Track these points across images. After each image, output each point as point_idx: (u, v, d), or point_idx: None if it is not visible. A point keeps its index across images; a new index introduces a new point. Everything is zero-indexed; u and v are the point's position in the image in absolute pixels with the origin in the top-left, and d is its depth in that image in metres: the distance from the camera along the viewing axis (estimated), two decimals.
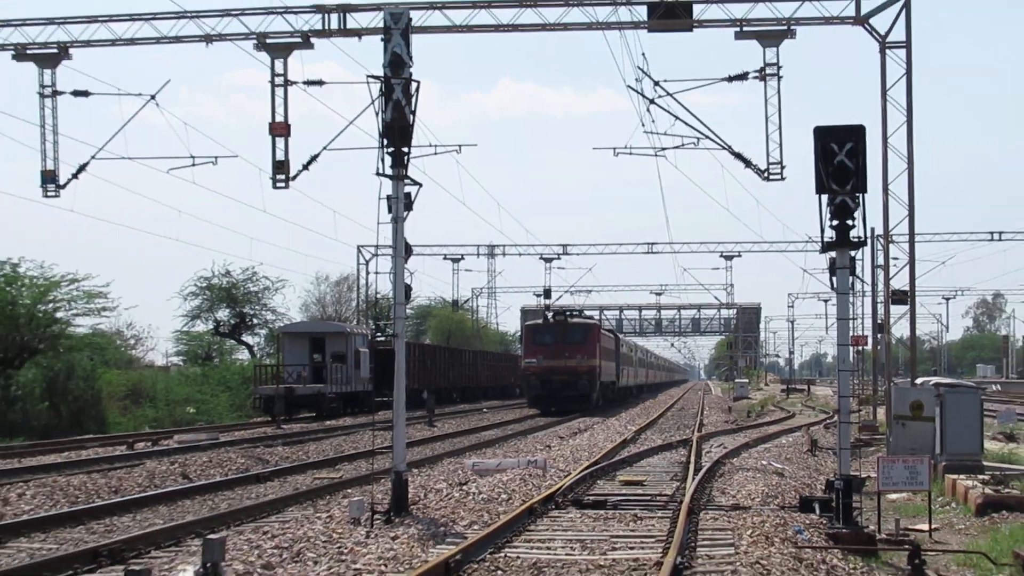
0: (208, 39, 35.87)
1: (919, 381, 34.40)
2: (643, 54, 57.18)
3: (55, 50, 35.89)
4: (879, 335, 38.09)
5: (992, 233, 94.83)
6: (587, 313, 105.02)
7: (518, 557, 16.59)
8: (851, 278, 20.90)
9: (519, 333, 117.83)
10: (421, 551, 16.93)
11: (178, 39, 36.21)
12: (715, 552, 17.16)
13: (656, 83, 35.98)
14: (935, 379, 37.24)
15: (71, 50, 36.05)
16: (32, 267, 57.59)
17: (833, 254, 20.09)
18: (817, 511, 21.57)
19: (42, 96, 36.59)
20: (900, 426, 28.35)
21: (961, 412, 29.72)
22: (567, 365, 79.07)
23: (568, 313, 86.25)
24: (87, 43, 35.74)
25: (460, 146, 40.42)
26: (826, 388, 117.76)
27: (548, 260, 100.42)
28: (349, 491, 23.97)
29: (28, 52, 35.89)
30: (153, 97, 37.23)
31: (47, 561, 16.21)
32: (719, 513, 21.84)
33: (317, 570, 15.39)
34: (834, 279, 20.41)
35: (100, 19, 35.68)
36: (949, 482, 26.25)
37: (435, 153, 34.97)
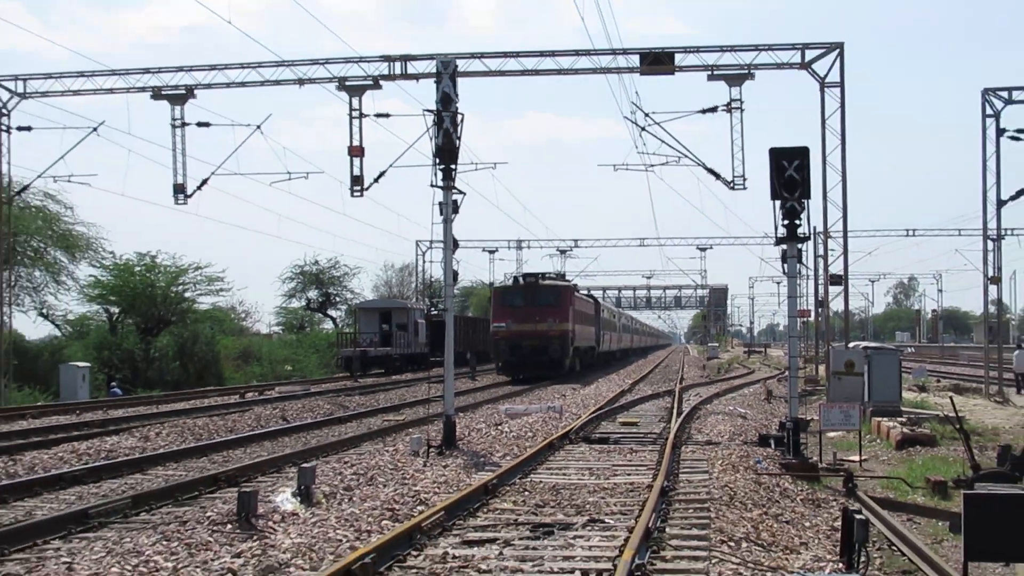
0: (301, 82, 35.89)
1: (851, 345, 34.34)
2: (636, 92, 58.55)
3: (183, 91, 36.09)
4: (820, 309, 38.13)
5: (908, 230, 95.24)
6: (571, 279, 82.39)
7: (540, 481, 16.68)
8: (798, 265, 20.93)
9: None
10: (466, 476, 17.03)
11: (278, 82, 36.24)
12: (694, 477, 17.20)
13: (646, 115, 35.94)
14: (863, 343, 37.22)
15: (196, 91, 36.24)
16: (166, 258, 59.89)
17: (784, 247, 20.08)
18: (772, 446, 21.61)
19: (174, 127, 36.73)
20: (837, 380, 28.38)
21: (884, 369, 29.98)
22: (537, 329, 60.68)
23: (541, 276, 66.41)
24: (208, 86, 35.92)
25: (495, 163, 41.13)
26: (779, 351, 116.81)
27: (563, 252, 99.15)
28: (410, 430, 24.06)
29: (163, 93, 36.22)
30: (259, 127, 37.46)
31: (179, 484, 16.33)
32: (696, 447, 21.87)
33: (386, 491, 15.46)
34: (785, 266, 20.53)
35: (219, 67, 35.92)
36: (875, 423, 26.23)
37: (475, 169, 35.38)
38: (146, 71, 35.97)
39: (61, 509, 13.15)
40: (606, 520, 13.11)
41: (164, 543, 11.51)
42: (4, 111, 37.85)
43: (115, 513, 13.47)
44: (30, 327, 70.21)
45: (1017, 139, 37.10)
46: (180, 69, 36.00)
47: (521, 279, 65.29)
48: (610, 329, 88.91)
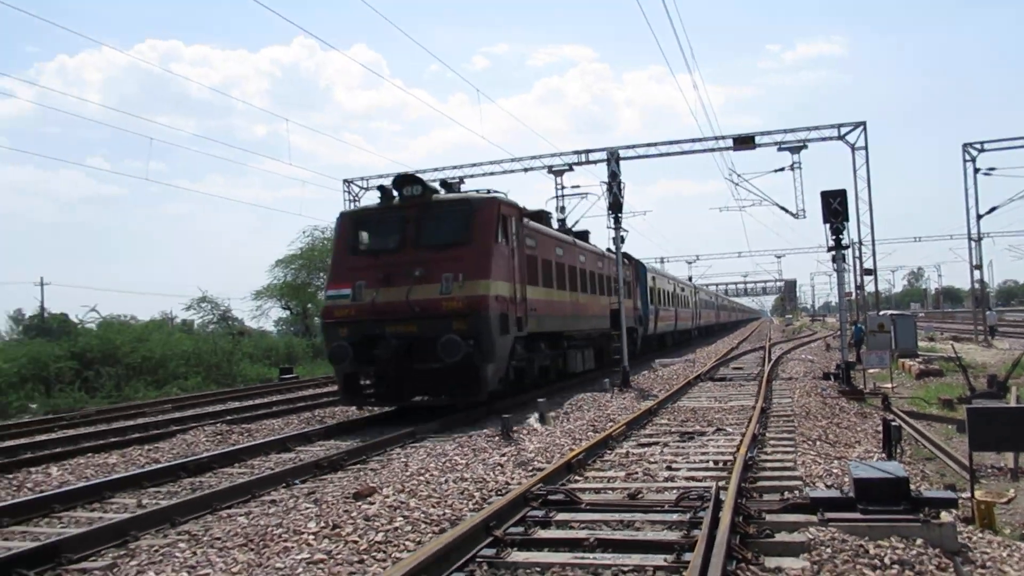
0: (526, 170, 36.30)
1: (880, 313, 32.81)
2: (731, 161, 55.92)
3: (457, 180, 36.29)
4: (858, 291, 36.49)
5: (915, 237, 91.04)
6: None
7: (683, 405, 16.34)
8: (843, 263, 20.23)
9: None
10: (637, 403, 16.82)
11: (512, 171, 36.76)
12: (782, 400, 16.58)
13: (738, 175, 35.24)
14: (889, 312, 35.74)
15: (465, 179, 36.77)
16: None
17: (833, 253, 19.51)
18: (832, 379, 20.68)
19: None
20: (873, 336, 27.16)
21: (904, 327, 29.43)
22: (415, 300, 14.37)
23: (441, 185, 18.83)
24: (471, 176, 36.62)
25: (645, 211, 40.57)
26: (832, 319, 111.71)
27: (689, 262, 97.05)
28: (604, 379, 23.83)
29: (447, 182, 36.13)
30: (508, 193, 37.79)
31: (471, 418, 15.95)
32: (782, 381, 21.09)
33: (589, 414, 15.41)
34: (833, 264, 19.90)
35: (478, 164, 36.68)
36: (900, 363, 24.98)
37: (632, 215, 34.76)
38: (435, 169, 36.81)
39: (397, 432, 13.52)
40: (727, 429, 12.76)
41: (460, 449, 11.75)
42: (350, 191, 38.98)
43: (431, 432, 13.82)
44: None
45: (988, 175, 37.16)
46: (456, 167, 36.76)
47: (395, 190, 15.88)
48: (667, 304, 41.42)
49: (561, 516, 7.36)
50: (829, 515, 6.71)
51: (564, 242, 21.46)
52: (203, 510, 7.99)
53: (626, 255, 27.54)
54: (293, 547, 6.78)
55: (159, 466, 10.86)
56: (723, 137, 34.01)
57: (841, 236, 19.14)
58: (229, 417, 16.89)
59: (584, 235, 26.51)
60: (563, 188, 35.86)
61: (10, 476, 10.84)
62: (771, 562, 5.95)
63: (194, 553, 6.73)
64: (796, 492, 7.92)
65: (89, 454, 12.54)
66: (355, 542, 6.85)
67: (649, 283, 35.63)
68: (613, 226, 22.29)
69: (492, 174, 36.67)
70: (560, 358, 21.09)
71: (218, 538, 7.13)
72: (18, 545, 6.54)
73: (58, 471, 11.20)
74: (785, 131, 33.32)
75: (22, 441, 14.22)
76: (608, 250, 26.14)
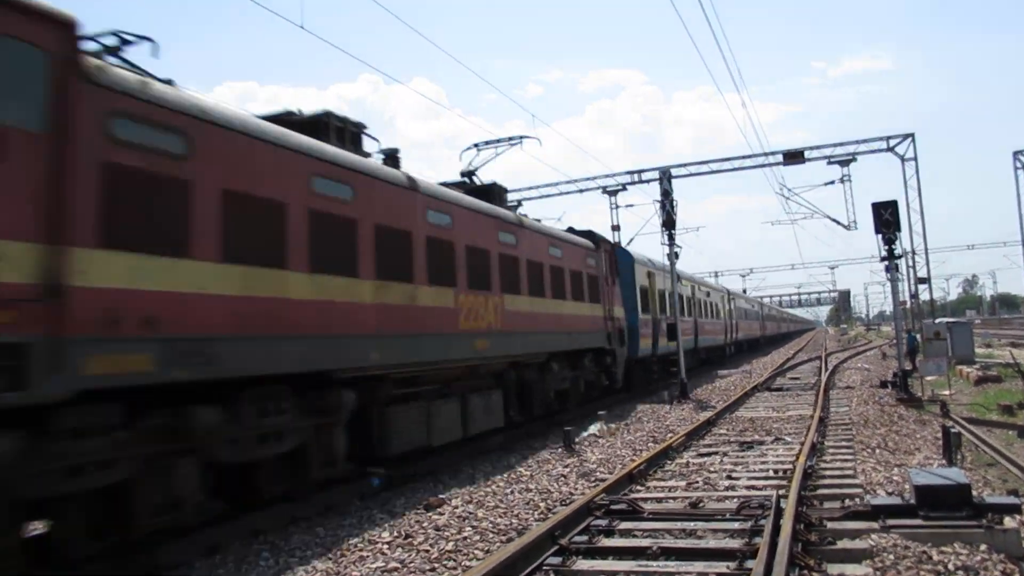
0: (581, 191, 36.30)
1: (936, 321, 31.77)
2: (782, 176, 54.86)
3: (516, 203, 36.81)
4: (913, 299, 35.43)
5: (968, 245, 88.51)
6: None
7: (742, 415, 16.07)
8: (896, 273, 19.70)
9: None
10: (696, 414, 16.60)
11: (567, 193, 36.78)
12: (839, 409, 16.19)
13: (789, 189, 34.79)
14: (945, 320, 34.56)
15: (522, 202, 36.96)
16: None
17: (886, 263, 19.04)
18: (889, 387, 20.08)
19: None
20: (929, 343, 26.36)
21: (961, 335, 28.45)
22: None
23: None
24: (528, 198, 36.79)
25: (698, 227, 40.14)
26: (888, 327, 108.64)
27: (744, 275, 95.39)
28: (662, 392, 23.56)
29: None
30: (558, 219, 37.94)
31: (534, 431, 15.37)
32: (839, 390, 20.60)
33: (648, 425, 15.27)
34: (887, 274, 19.41)
35: (535, 187, 36.86)
36: (958, 369, 24.07)
37: (686, 232, 34.43)
38: (514, 190, 36.93)
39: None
40: (786, 438, 12.50)
41: (524, 461, 11.74)
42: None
43: (499, 448, 13.69)
44: None
45: None
46: (515, 189, 37.01)
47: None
48: (698, 313, 31.66)
49: (624, 525, 7.31)
50: (891, 522, 6.53)
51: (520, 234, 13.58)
52: (286, 521, 8.14)
53: (591, 234, 18.57)
54: (368, 556, 6.87)
55: None
56: (773, 153, 33.58)
57: (894, 246, 18.67)
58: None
59: (490, 189, 14.60)
60: (617, 206, 35.78)
61: None
62: (833, 569, 5.82)
63: (277, 562, 6.86)
64: (857, 499, 7.72)
65: None
66: (426, 551, 6.90)
67: (641, 281, 23.28)
68: (667, 242, 22.11)
69: (549, 196, 36.79)
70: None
71: (298, 548, 7.26)
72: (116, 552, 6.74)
73: None
74: (834, 145, 32.78)
75: None
76: (571, 229, 18.20)
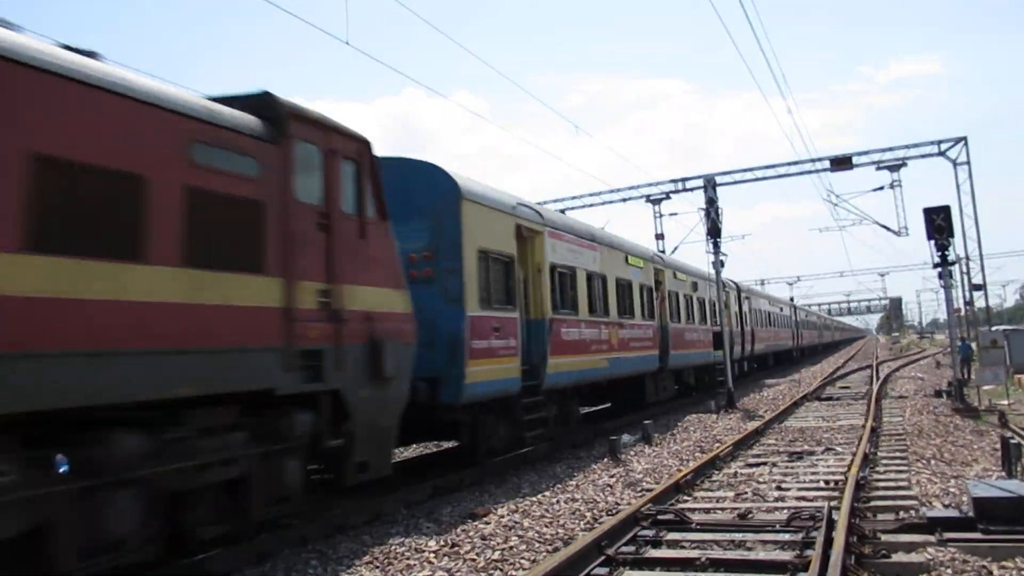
0: (624, 200, 36.24)
1: (993, 329, 30.99)
2: (829, 182, 53.97)
3: (562, 211, 36.84)
4: (967, 306, 34.61)
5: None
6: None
7: (791, 425, 15.81)
8: (950, 279, 19.26)
9: None
10: (744, 424, 16.37)
11: (610, 202, 36.69)
12: (892, 419, 15.83)
13: (837, 195, 34.20)
14: (1002, 327, 33.70)
15: (566, 211, 36.96)
16: None
17: (939, 269, 18.61)
18: (944, 397, 19.61)
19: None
20: (986, 352, 25.66)
21: (1019, 342, 28.08)
22: None
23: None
24: (572, 208, 36.76)
25: (744, 235, 39.58)
26: (941, 335, 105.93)
27: (791, 283, 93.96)
28: (709, 401, 23.24)
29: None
30: (603, 227, 37.73)
31: (579, 442, 15.63)
32: (891, 400, 20.16)
33: (695, 435, 15.10)
34: (940, 281, 18.96)
35: (578, 196, 36.80)
36: (1016, 378, 23.49)
37: (731, 239, 34.00)
38: (555, 200, 37.04)
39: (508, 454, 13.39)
40: (837, 449, 12.25)
41: (569, 470, 11.69)
42: None
43: (541, 456, 13.57)
44: None
45: None
46: (557, 200, 37.03)
47: None
48: (684, 315, 21.83)
49: (671, 536, 7.22)
50: (948, 535, 6.36)
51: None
52: (333, 530, 8.21)
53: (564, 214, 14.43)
54: (415, 564, 6.88)
55: None
56: (820, 159, 33.19)
57: (947, 252, 18.26)
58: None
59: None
60: (660, 215, 35.58)
61: None
62: None
63: (325, 570, 6.91)
64: (912, 512, 7.52)
65: None
66: (473, 560, 6.90)
67: (550, 255, 13.39)
68: (712, 251, 21.92)
69: (591, 206, 36.76)
70: None
71: (346, 556, 7.31)
72: (168, 559, 6.87)
73: None
74: (883, 150, 32.29)
75: None
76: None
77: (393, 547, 7.51)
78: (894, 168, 31.94)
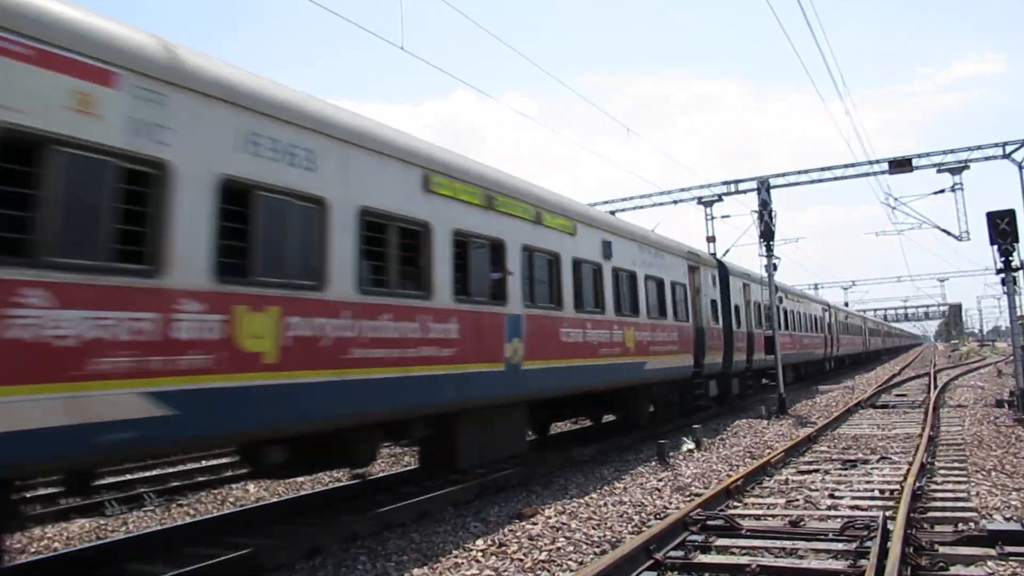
0: (675, 202, 35.84)
1: None
2: (888, 184, 52.79)
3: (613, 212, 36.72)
4: None
5: None
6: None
7: (844, 432, 15.47)
8: (1014, 286, 18.66)
9: None
10: (796, 430, 16.07)
11: (662, 204, 36.35)
12: (951, 429, 15.39)
13: (895, 199, 33.47)
14: None
15: (617, 213, 36.79)
16: None
17: (1002, 275, 18.04)
18: (1006, 407, 18.99)
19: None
20: None
21: None
22: None
23: None
24: (623, 209, 36.52)
25: (797, 239, 38.82)
26: (1003, 343, 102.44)
27: (845, 288, 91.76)
28: (760, 406, 22.88)
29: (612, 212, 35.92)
30: (652, 229, 37.43)
31: (625, 446, 15.26)
32: (950, 408, 19.59)
33: (745, 440, 14.89)
34: (1003, 287, 18.42)
35: (628, 198, 36.52)
36: None
37: (784, 243, 33.50)
38: (605, 201, 36.80)
39: (555, 456, 13.41)
40: (892, 457, 11.96)
41: (617, 473, 11.63)
42: None
43: (590, 459, 13.60)
44: None
45: None
46: (606, 202, 36.80)
47: None
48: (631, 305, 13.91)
49: (721, 541, 7.14)
50: (1009, 549, 6.18)
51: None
52: (381, 527, 8.29)
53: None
54: (463, 563, 6.92)
55: (341, 484, 11.38)
56: (878, 161, 32.30)
57: (1011, 257, 17.69)
58: (404, 441, 17.46)
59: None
60: (712, 217, 35.17)
61: (215, 492, 11.67)
62: None
63: (374, 566, 6.99)
64: (971, 524, 7.31)
65: None
66: (520, 560, 6.91)
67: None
68: (764, 254, 21.61)
69: (642, 207, 36.47)
70: None
71: (394, 553, 7.38)
72: (223, 553, 7.02)
73: (255, 488, 11.95)
74: (944, 152, 31.33)
75: (224, 460, 15.27)
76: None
77: (440, 545, 7.57)
78: (956, 171, 31.03)
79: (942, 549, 6.47)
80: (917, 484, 9.06)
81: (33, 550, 8.30)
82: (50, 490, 11.06)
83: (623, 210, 35.61)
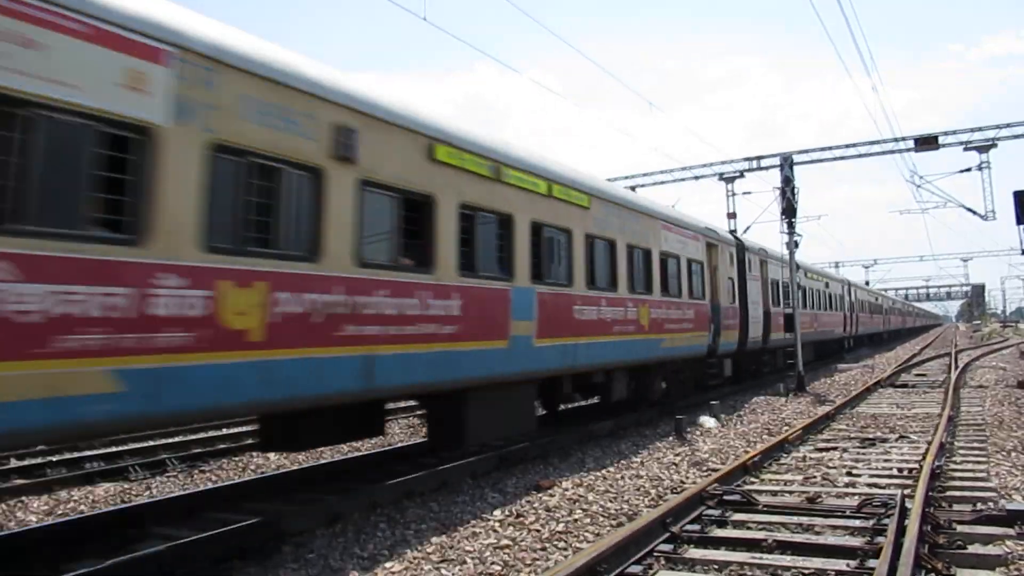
0: (696, 178, 35.56)
1: None
2: (913, 163, 51.98)
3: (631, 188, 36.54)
4: None
5: None
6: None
7: (863, 411, 15.41)
8: None
9: None
10: (814, 408, 16.03)
11: (683, 180, 36.08)
12: (971, 409, 15.29)
13: (920, 177, 33.00)
14: None
15: (636, 189, 36.61)
16: None
17: None
18: None
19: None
20: None
21: None
22: None
23: None
24: (643, 185, 36.26)
25: (820, 216, 38.61)
26: None
27: (867, 267, 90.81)
28: (778, 384, 22.80)
29: (635, 188, 36.12)
30: (673, 206, 37.16)
31: (643, 419, 15.00)
32: (971, 389, 19.45)
33: (763, 418, 14.88)
34: None
35: (647, 173, 36.27)
36: None
37: (806, 220, 33.13)
38: (625, 177, 36.51)
39: (573, 430, 13.47)
40: (911, 436, 11.91)
41: (634, 448, 11.67)
42: None
43: (607, 434, 13.60)
44: None
45: None
46: (628, 177, 36.57)
47: None
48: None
49: (737, 516, 7.17)
50: None
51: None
52: (401, 495, 8.39)
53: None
54: (480, 532, 7.00)
55: (361, 454, 11.51)
56: (903, 139, 31.83)
57: None
58: (419, 412, 17.56)
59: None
60: (733, 193, 34.89)
61: (236, 459, 11.83)
62: (963, 574, 5.52)
63: (393, 533, 7.09)
64: (990, 504, 7.29)
65: None
66: (537, 530, 6.98)
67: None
68: (786, 231, 21.42)
69: (663, 183, 36.22)
70: None
71: (413, 521, 7.48)
72: (244, 519, 7.14)
73: (275, 456, 12.11)
74: (971, 130, 30.79)
75: (246, 428, 15.46)
76: None
77: (458, 515, 7.65)
78: (983, 149, 30.52)
79: (960, 528, 6.46)
80: (936, 463, 9.02)
81: (59, 512, 8.48)
82: (75, 455, 11.24)
83: (643, 185, 35.36)
